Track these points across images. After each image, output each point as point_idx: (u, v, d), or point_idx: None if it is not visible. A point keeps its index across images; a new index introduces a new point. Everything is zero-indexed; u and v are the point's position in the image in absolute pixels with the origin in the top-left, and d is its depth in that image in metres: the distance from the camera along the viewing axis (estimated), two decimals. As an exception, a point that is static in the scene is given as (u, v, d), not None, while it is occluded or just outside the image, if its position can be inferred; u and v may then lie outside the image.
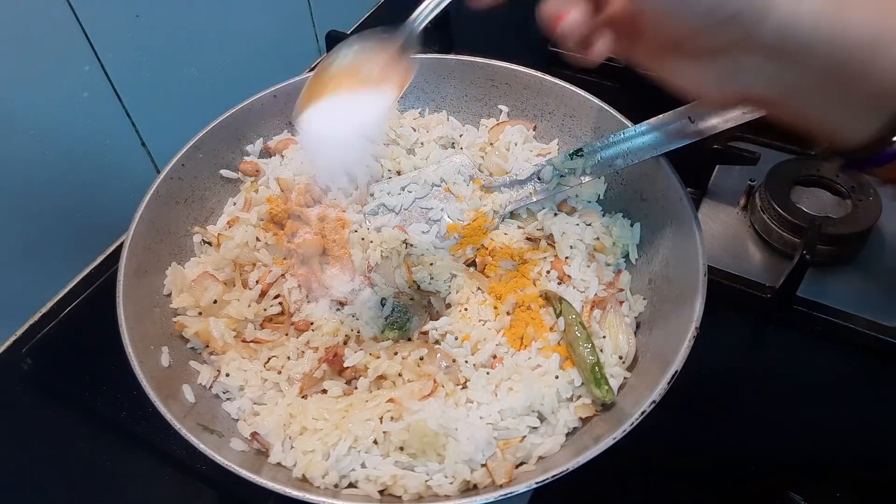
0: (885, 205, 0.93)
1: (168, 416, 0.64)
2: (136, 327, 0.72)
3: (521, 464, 0.68)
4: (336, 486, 0.66)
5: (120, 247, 0.79)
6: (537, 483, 0.60)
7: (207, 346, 0.79)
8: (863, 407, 0.83)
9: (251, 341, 0.79)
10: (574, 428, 0.70)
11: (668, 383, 0.62)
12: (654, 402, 0.62)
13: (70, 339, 0.93)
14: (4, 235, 0.91)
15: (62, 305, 0.99)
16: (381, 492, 0.65)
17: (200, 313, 0.80)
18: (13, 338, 0.97)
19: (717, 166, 1.04)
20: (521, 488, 0.60)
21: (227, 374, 0.75)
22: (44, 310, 0.99)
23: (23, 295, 0.97)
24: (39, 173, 0.92)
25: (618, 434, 0.61)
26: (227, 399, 0.75)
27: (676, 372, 0.63)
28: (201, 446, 0.62)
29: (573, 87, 0.92)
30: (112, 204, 1.02)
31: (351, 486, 0.66)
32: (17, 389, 0.90)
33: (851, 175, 0.95)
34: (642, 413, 0.62)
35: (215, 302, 0.80)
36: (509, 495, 0.60)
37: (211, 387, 0.76)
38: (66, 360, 0.91)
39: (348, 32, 1.33)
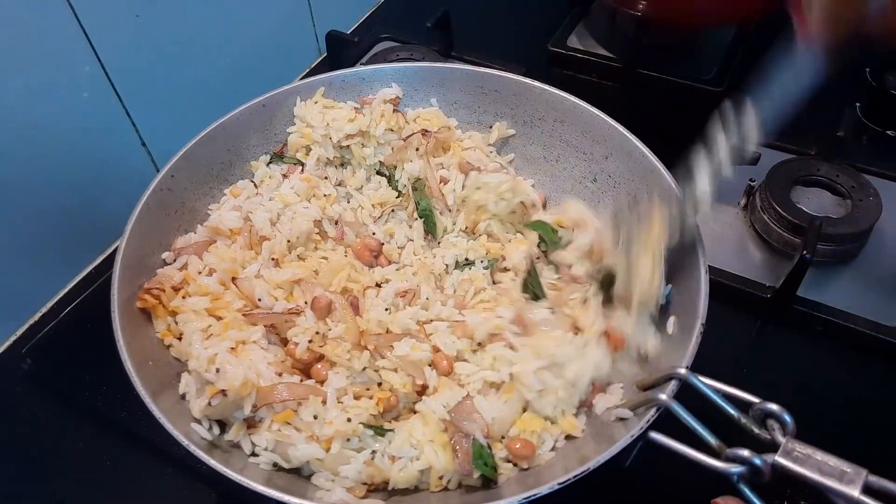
0: (885, 205, 0.93)
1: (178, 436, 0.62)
2: (134, 341, 0.70)
3: None
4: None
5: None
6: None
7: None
8: (863, 407, 0.83)
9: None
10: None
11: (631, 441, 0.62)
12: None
13: (70, 339, 0.93)
14: (4, 235, 0.91)
15: (62, 305, 0.99)
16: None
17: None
18: (13, 338, 0.97)
19: (718, 166, 1.04)
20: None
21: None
22: (44, 310, 0.99)
23: (23, 295, 0.97)
24: (39, 173, 0.92)
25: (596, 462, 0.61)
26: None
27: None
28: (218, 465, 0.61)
29: (562, 93, 0.89)
30: (112, 204, 1.02)
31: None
32: (17, 389, 0.90)
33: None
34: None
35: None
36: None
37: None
38: (66, 360, 0.91)
39: (348, 32, 1.33)
